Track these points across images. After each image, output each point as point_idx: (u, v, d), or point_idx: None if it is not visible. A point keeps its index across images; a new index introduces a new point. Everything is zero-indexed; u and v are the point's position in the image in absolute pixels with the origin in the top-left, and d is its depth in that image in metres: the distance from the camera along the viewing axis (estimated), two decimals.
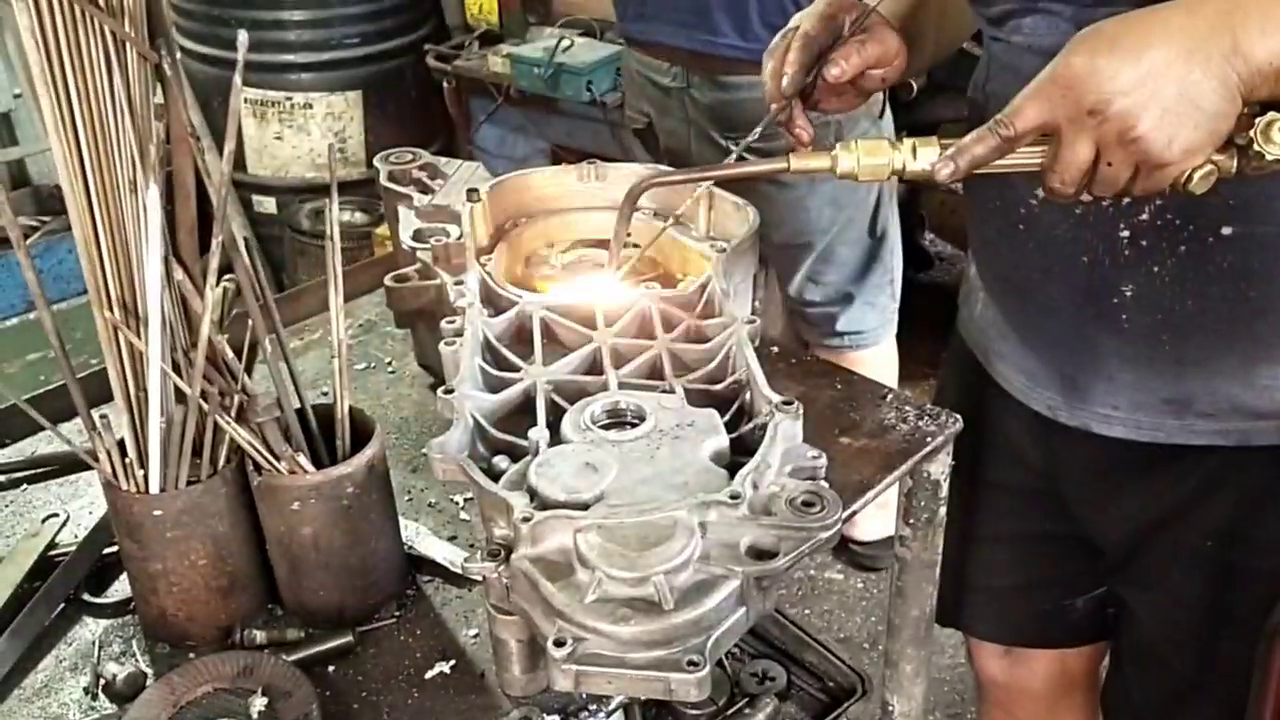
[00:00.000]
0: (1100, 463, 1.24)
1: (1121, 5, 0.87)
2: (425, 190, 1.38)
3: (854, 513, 1.10)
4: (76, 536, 1.13)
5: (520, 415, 1.02)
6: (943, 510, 1.25)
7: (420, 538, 1.11)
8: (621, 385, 1.04)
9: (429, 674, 0.99)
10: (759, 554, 0.84)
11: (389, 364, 1.42)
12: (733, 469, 0.91)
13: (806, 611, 2.62)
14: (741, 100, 2.22)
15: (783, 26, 1.16)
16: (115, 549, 1.06)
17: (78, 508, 1.19)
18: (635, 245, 1.33)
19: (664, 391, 1.04)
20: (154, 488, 0.97)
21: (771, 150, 1.16)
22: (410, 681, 0.98)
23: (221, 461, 1.00)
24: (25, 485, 1.25)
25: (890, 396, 1.25)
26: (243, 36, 0.88)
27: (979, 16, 1.16)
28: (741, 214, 1.27)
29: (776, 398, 0.96)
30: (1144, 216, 1.05)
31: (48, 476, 1.26)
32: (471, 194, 1.30)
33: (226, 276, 1.00)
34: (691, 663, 0.77)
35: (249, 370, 1.00)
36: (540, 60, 3.05)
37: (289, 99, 3.48)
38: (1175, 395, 1.13)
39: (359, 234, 3.31)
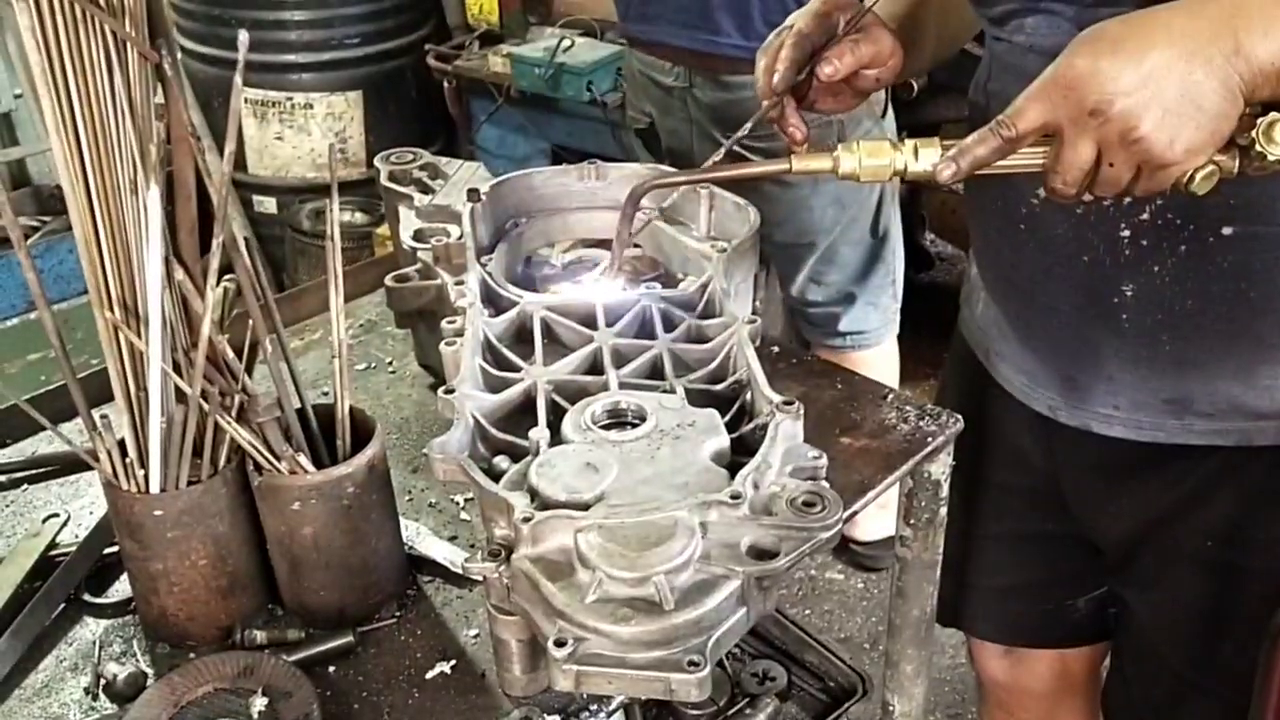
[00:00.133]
0: (1101, 463, 1.24)
1: (1124, 5, 0.87)
2: (426, 190, 1.38)
3: (854, 513, 1.10)
4: (77, 536, 1.13)
5: (521, 415, 1.02)
6: (943, 510, 1.25)
7: (421, 538, 1.11)
8: (622, 385, 1.04)
9: (429, 674, 0.99)
10: (760, 554, 0.84)
11: (390, 364, 1.42)
12: (733, 469, 0.91)
13: (807, 611, 2.62)
14: (744, 100, 2.22)
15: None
16: (116, 549, 1.06)
17: (78, 508, 1.19)
18: (638, 245, 1.33)
19: (665, 391, 1.04)
20: (154, 488, 0.97)
21: (774, 150, 1.16)
22: (411, 681, 0.98)
23: (222, 461, 1.00)
24: (26, 485, 1.25)
25: (891, 396, 1.25)
26: (243, 37, 0.88)
27: (981, 17, 1.16)
28: (742, 214, 1.27)
29: (777, 398, 0.96)
30: (1145, 216, 1.05)
31: (48, 476, 1.26)
32: (472, 194, 1.30)
33: (227, 276, 1.00)
34: (692, 663, 0.77)
35: (249, 370, 1.00)
36: (541, 60, 3.05)
37: (289, 99, 3.48)
38: (1175, 395, 1.13)
39: (359, 234, 3.31)
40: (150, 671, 1.00)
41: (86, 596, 1.08)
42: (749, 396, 1.03)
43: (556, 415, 1.00)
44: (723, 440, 0.95)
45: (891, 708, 1.39)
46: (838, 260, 2.40)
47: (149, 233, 0.91)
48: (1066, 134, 0.85)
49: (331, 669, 0.99)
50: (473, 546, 1.11)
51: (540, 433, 0.97)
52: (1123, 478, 1.23)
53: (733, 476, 0.89)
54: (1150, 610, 1.30)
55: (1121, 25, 0.84)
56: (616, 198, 1.27)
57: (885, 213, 2.40)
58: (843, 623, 2.60)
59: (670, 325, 1.14)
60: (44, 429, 1.06)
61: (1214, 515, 1.18)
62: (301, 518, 0.99)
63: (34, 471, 1.26)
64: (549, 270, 1.33)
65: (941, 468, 1.21)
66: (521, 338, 1.15)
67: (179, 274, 0.95)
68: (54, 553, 1.12)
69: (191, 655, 1.00)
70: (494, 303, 1.18)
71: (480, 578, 0.89)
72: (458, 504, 1.18)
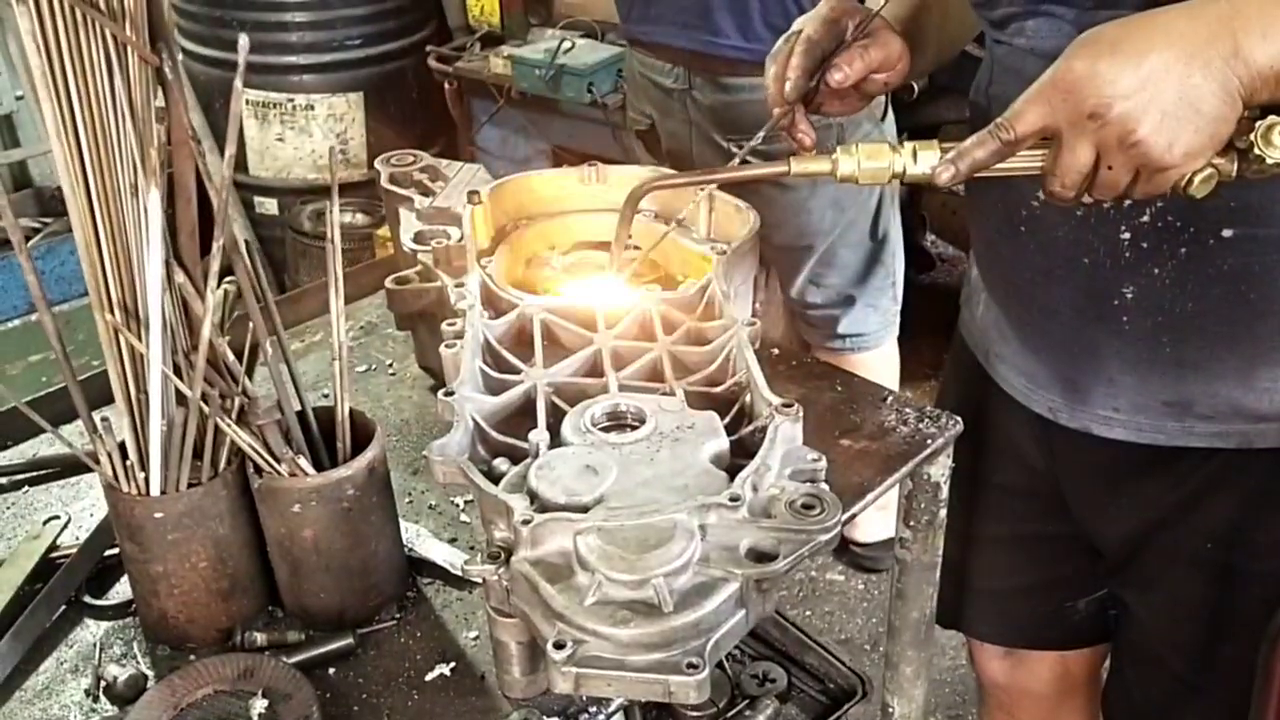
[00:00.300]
0: (1101, 465, 1.24)
1: (1123, 8, 0.87)
2: (426, 192, 1.38)
3: (854, 515, 1.10)
4: (78, 539, 1.14)
5: (521, 417, 1.02)
6: (943, 512, 1.25)
7: (420, 540, 1.11)
8: (622, 387, 1.04)
9: (429, 676, 0.99)
10: (759, 556, 0.84)
11: (390, 366, 1.43)
12: (733, 471, 0.91)
13: (807, 613, 2.62)
14: (743, 102, 2.22)
15: (785, 28, 1.16)
16: (116, 551, 1.06)
17: (79, 510, 1.19)
18: (636, 247, 1.33)
19: (664, 394, 1.04)
20: (155, 490, 0.97)
21: (773, 153, 1.16)
22: (410, 683, 0.98)
23: (222, 464, 1.00)
24: (27, 487, 1.25)
25: (890, 398, 1.25)
26: (243, 40, 0.88)
27: (981, 19, 1.16)
28: (742, 216, 1.27)
29: (776, 400, 0.96)
30: (1145, 219, 1.05)
31: (49, 479, 1.26)
32: (472, 196, 1.30)
33: (228, 279, 1.01)
34: (691, 665, 0.77)
35: (250, 372, 1.00)
36: (541, 61, 3.05)
37: (290, 100, 3.49)
38: (1176, 397, 1.13)
39: (360, 236, 3.31)
40: (150, 673, 1.00)
41: (87, 598, 1.08)
42: (748, 399, 1.03)
43: (556, 417, 1.00)
44: (722, 442, 0.95)
45: (891, 709, 1.39)
46: (836, 263, 2.40)
47: (149, 235, 0.91)
48: (1065, 137, 0.86)
49: (331, 671, 0.99)
50: (472, 549, 1.11)
51: (540, 435, 0.97)
52: (1123, 480, 1.23)
53: (732, 479, 0.89)
54: (1150, 612, 1.30)
55: (1120, 28, 0.84)
56: (617, 200, 1.27)
57: (884, 215, 2.40)
58: (843, 624, 2.60)
59: (670, 327, 1.14)
60: (45, 431, 1.06)
61: (1214, 517, 1.18)
62: (301, 520, 0.99)
63: (35, 473, 1.26)
64: (549, 272, 1.33)
65: (941, 469, 1.21)
66: (521, 340, 1.15)
67: (179, 276, 0.95)
68: (54, 555, 1.12)
69: (192, 657, 1.00)
70: (494, 305, 1.18)
71: (480, 580, 0.89)
72: (458, 506, 1.18)
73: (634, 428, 0.97)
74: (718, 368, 1.08)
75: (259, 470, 0.98)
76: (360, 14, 3.49)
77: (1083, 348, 1.17)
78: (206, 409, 0.96)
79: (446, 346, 1.07)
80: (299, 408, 1.03)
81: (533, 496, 0.89)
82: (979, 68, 1.21)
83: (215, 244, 0.93)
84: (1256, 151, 0.85)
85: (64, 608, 1.07)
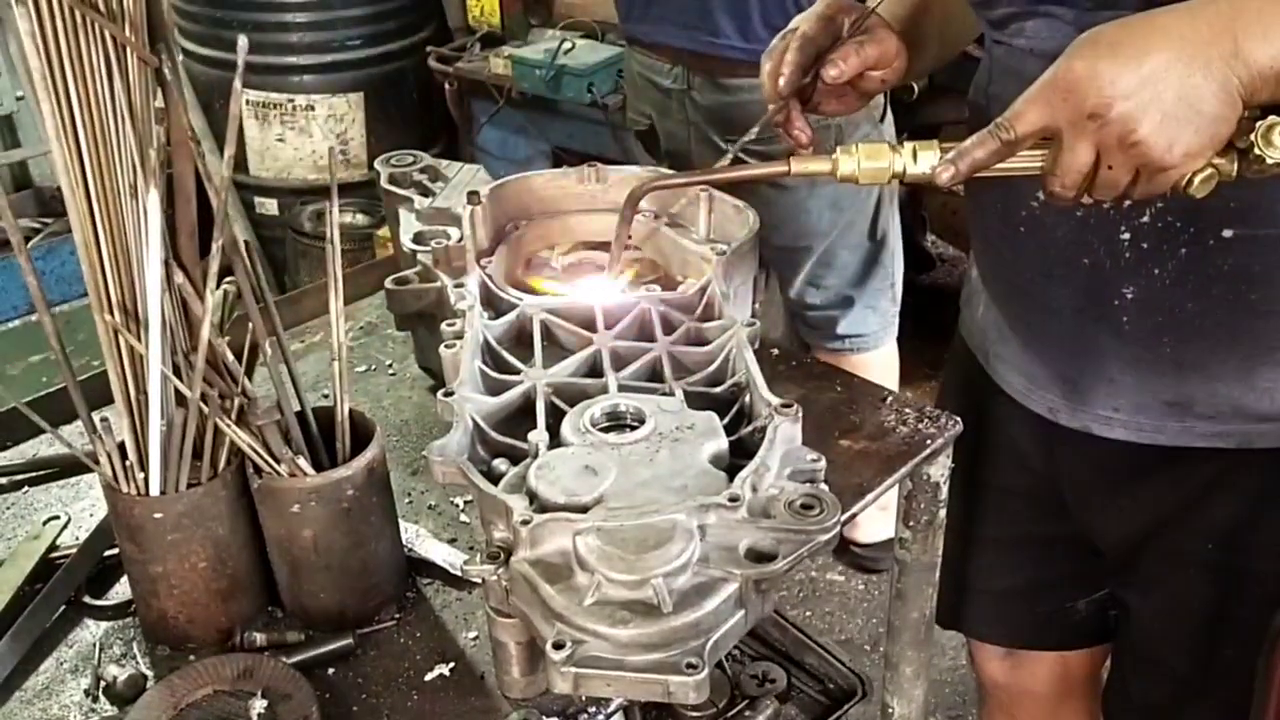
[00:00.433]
0: (1101, 465, 1.24)
1: (1123, 9, 0.87)
2: (426, 193, 1.38)
3: (853, 515, 1.10)
4: (77, 539, 1.14)
5: (520, 418, 1.02)
6: (942, 512, 1.25)
7: (420, 540, 1.11)
8: (621, 388, 1.04)
9: (429, 676, 0.99)
10: (758, 557, 0.84)
11: (390, 366, 1.43)
12: (732, 472, 0.91)
13: (808, 613, 2.62)
14: (742, 103, 2.22)
15: (784, 28, 1.16)
16: (116, 551, 1.06)
17: (79, 510, 1.19)
18: (636, 248, 1.33)
19: (664, 394, 1.04)
20: (154, 490, 0.97)
21: (772, 153, 1.17)
22: (410, 684, 0.98)
23: (222, 464, 1.00)
24: (26, 487, 1.25)
25: (890, 399, 1.25)
26: (242, 41, 0.88)
27: (981, 19, 1.16)
28: (742, 216, 1.27)
29: (776, 400, 0.96)
30: (1145, 219, 1.05)
31: (49, 479, 1.26)
32: (472, 196, 1.30)
33: (227, 279, 1.01)
34: (690, 665, 0.77)
35: (249, 373, 1.00)
36: (542, 62, 3.05)
37: (291, 101, 3.49)
38: (1176, 397, 1.13)
39: (360, 236, 3.32)
40: (150, 674, 1.00)
41: (87, 599, 1.08)
42: (748, 399, 1.03)
43: (555, 418, 1.00)
44: (721, 443, 0.95)
45: (891, 710, 1.39)
46: (835, 263, 2.40)
47: (148, 236, 0.91)
48: (1065, 137, 0.85)
49: (331, 671, 0.99)
50: (472, 549, 1.11)
51: (539, 435, 0.97)
52: (1123, 480, 1.23)
53: (731, 479, 0.89)
54: (1151, 612, 1.30)
55: (1120, 28, 0.84)
56: (616, 200, 1.27)
57: (883, 216, 2.40)
58: (843, 624, 2.60)
59: (669, 328, 1.14)
60: (45, 431, 1.06)
61: (1214, 518, 1.18)
62: (301, 520, 0.99)
63: (34, 474, 1.26)
64: (549, 272, 1.33)
65: (940, 470, 1.21)
66: (521, 340, 1.15)
67: (179, 277, 0.95)
68: (54, 555, 1.12)
69: (191, 657, 1.00)
70: (493, 305, 1.18)
71: (479, 580, 0.89)
72: (457, 506, 1.18)
73: (633, 428, 0.97)
74: (717, 368, 1.08)
75: (258, 470, 0.98)
76: (360, 14, 3.49)
77: (1083, 348, 1.17)
78: (206, 409, 0.96)
79: (446, 347, 1.07)
80: (298, 408, 1.03)
81: (532, 497, 0.89)
82: (978, 68, 1.21)
83: (215, 244, 0.93)
84: (1257, 151, 0.85)
85: (64, 608, 1.07)
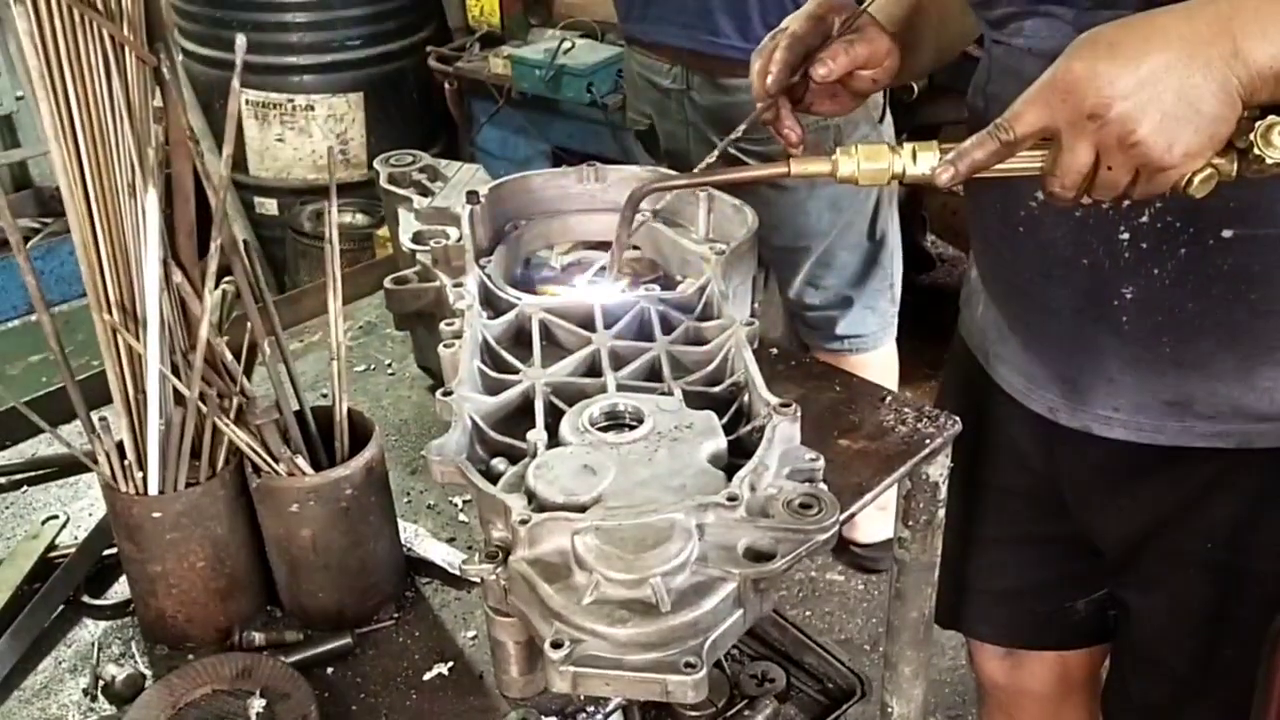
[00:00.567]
0: (1101, 465, 1.24)
1: (1123, 8, 0.87)
2: (425, 192, 1.38)
3: (852, 515, 1.10)
4: (76, 538, 1.14)
5: (519, 417, 1.02)
6: (941, 512, 1.25)
7: (419, 539, 1.11)
8: (620, 387, 1.04)
9: (427, 675, 0.99)
10: (756, 556, 0.84)
11: (389, 366, 1.43)
12: (731, 471, 0.91)
13: (808, 613, 2.62)
14: (741, 103, 2.22)
15: None
16: (115, 551, 1.06)
17: (78, 509, 1.19)
18: (636, 248, 1.33)
19: (662, 394, 1.04)
20: (153, 490, 0.97)
21: (772, 153, 1.17)
22: (409, 683, 0.98)
23: (220, 464, 1.00)
24: (25, 487, 1.25)
25: (889, 398, 1.25)
26: (240, 40, 0.88)
27: (980, 19, 1.16)
28: (740, 216, 1.27)
29: (774, 400, 0.96)
30: (1144, 219, 1.05)
31: (48, 478, 1.26)
32: (471, 196, 1.30)
33: (226, 279, 1.01)
34: (689, 664, 0.77)
35: (248, 372, 1.00)
36: (541, 62, 3.05)
37: (291, 101, 3.49)
38: (1176, 397, 1.13)
39: (360, 236, 3.32)
40: (149, 673, 1.00)
41: (85, 598, 1.08)
42: (747, 398, 1.03)
43: (554, 417, 1.00)
44: (720, 442, 0.95)
45: (890, 709, 1.39)
46: (834, 264, 2.40)
47: (147, 236, 0.91)
48: (1065, 137, 0.85)
49: (329, 670, 0.99)
50: (470, 548, 1.11)
51: (538, 435, 0.97)
52: (1123, 480, 1.23)
53: (730, 478, 0.89)
54: (1150, 612, 1.30)
55: (1120, 28, 0.84)
56: (616, 200, 1.27)
57: (882, 217, 2.40)
58: (843, 624, 2.60)
59: (668, 327, 1.14)
60: (44, 431, 1.06)
61: (1214, 518, 1.18)
62: (300, 520, 0.99)
63: (33, 473, 1.26)
64: (548, 272, 1.33)
65: (939, 469, 1.21)
66: (520, 340, 1.15)
67: (177, 277, 0.95)
68: (53, 554, 1.12)
69: (190, 657, 1.00)
70: (492, 305, 1.18)
71: (478, 579, 0.89)
72: (456, 506, 1.18)
73: (632, 427, 0.97)
74: (716, 367, 1.08)
75: (257, 470, 0.98)
76: (360, 14, 3.49)
77: (1082, 348, 1.17)
78: (204, 409, 0.96)
79: (445, 346, 1.07)
80: (297, 407, 1.03)
81: (531, 496, 0.89)
82: (977, 68, 1.21)
83: (213, 244, 0.93)
84: (1256, 151, 0.85)
85: (62, 607, 1.07)
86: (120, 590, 1.08)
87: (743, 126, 1.16)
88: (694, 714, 1.31)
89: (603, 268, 1.26)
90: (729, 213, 1.29)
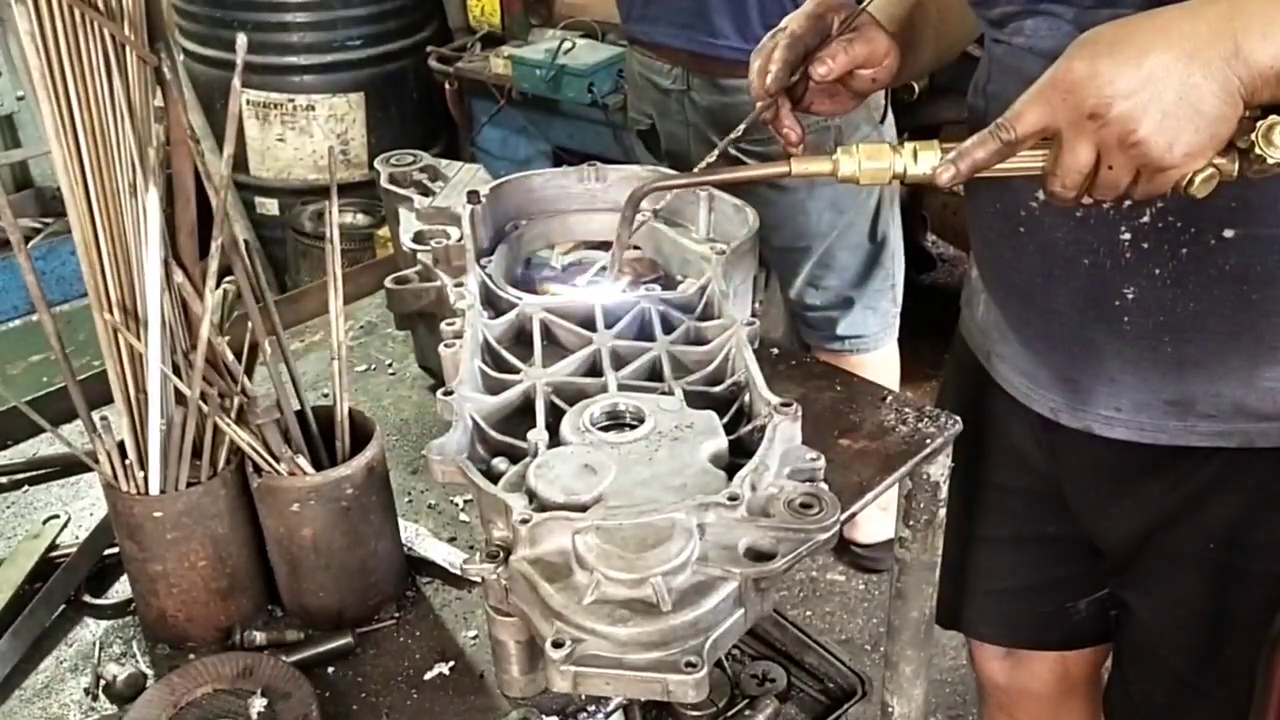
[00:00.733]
0: (1102, 465, 1.24)
1: (1124, 8, 0.87)
2: (425, 192, 1.38)
3: (853, 514, 1.10)
4: (77, 538, 1.14)
5: (519, 417, 1.02)
6: (942, 512, 1.25)
7: (420, 539, 1.11)
8: (621, 387, 1.04)
9: (428, 675, 0.99)
10: (757, 555, 0.84)
11: (389, 366, 1.43)
12: (731, 471, 0.91)
13: (808, 613, 2.62)
14: (741, 103, 2.22)
15: None
16: (116, 550, 1.06)
17: (79, 509, 1.19)
18: (637, 248, 1.33)
19: (663, 393, 1.04)
20: (154, 489, 0.97)
21: (772, 153, 1.17)
22: (409, 682, 0.98)
23: (221, 463, 1.00)
24: (27, 486, 1.25)
25: (890, 398, 1.25)
26: (241, 40, 0.88)
27: (980, 19, 1.16)
28: (741, 216, 1.27)
29: (775, 399, 0.96)
30: (1145, 219, 1.05)
31: (49, 478, 1.26)
32: (472, 196, 1.31)
33: (228, 279, 1.01)
34: (689, 664, 0.77)
35: (249, 372, 1.00)
36: (542, 62, 3.05)
37: (291, 101, 3.49)
38: (1177, 397, 1.13)
39: (361, 236, 3.32)
40: (150, 672, 1.00)
41: (86, 597, 1.08)
42: (747, 398, 1.03)
43: (555, 417, 1.00)
44: (721, 442, 0.95)
45: (891, 709, 1.39)
46: (835, 264, 2.40)
47: (148, 235, 0.91)
48: (1065, 137, 0.85)
49: (330, 670, 1.00)
50: (471, 548, 1.11)
51: (539, 434, 0.97)
52: (1124, 480, 1.23)
53: (731, 478, 0.89)
54: (1151, 612, 1.30)
55: (1120, 28, 0.84)
56: (616, 200, 1.27)
57: (883, 217, 2.40)
58: (844, 624, 2.60)
59: (669, 327, 1.14)
60: (45, 431, 1.06)
61: (1215, 517, 1.17)
62: (301, 519, 0.99)
63: (35, 473, 1.26)
64: (548, 272, 1.33)
65: (940, 469, 1.21)
66: (521, 340, 1.15)
67: (178, 276, 0.95)
68: (54, 554, 1.12)
69: (191, 656, 1.00)
70: (493, 304, 1.18)
71: (479, 579, 0.89)
72: (457, 505, 1.18)
73: (633, 427, 0.97)
74: (717, 367, 1.08)
75: (258, 469, 0.98)
76: (361, 14, 3.50)
77: (1084, 348, 1.17)
78: (205, 408, 0.96)
79: (445, 346, 1.07)
80: (298, 407, 1.03)
81: (531, 496, 0.89)
82: (978, 67, 1.21)
83: (214, 244, 0.93)
84: (1257, 151, 0.85)
85: (63, 607, 1.07)
86: (121, 590, 1.08)
87: (742, 126, 1.16)
88: (695, 714, 1.31)
89: (603, 267, 1.26)
90: (730, 212, 1.29)
